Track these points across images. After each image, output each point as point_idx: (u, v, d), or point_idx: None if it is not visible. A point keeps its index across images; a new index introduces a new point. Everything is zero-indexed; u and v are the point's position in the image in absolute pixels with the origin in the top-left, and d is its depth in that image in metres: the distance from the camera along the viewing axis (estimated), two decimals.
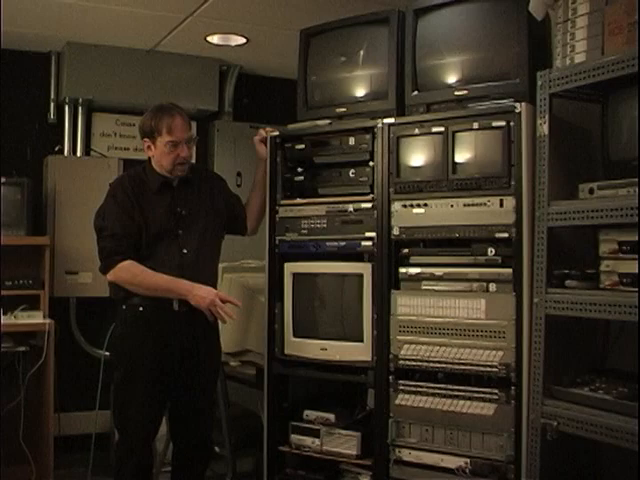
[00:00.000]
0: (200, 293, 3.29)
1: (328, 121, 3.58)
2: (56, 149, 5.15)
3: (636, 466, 2.54)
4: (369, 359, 3.35)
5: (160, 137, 3.38)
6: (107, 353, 4.54)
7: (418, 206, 3.25)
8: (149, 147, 3.45)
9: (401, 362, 3.25)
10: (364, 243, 3.39)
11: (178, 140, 3.38)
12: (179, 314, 3.34)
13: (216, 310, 3.28)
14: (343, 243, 3.44)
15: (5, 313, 4.37)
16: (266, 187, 3.66)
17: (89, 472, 4.60)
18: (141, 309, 3.35)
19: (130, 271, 3.32)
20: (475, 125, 3.10)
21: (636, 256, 2.58)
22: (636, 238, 2.57)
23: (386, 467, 3.29)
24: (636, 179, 2.55)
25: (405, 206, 3.29)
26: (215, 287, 3.47)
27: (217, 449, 4.41)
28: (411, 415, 3.22)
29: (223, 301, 3.31)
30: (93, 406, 5.01)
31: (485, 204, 3.08)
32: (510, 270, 3.02)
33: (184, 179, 3.48)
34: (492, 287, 3.08)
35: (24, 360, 4.44)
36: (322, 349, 3.49)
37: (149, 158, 3.50)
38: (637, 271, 2.54)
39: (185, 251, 3.39)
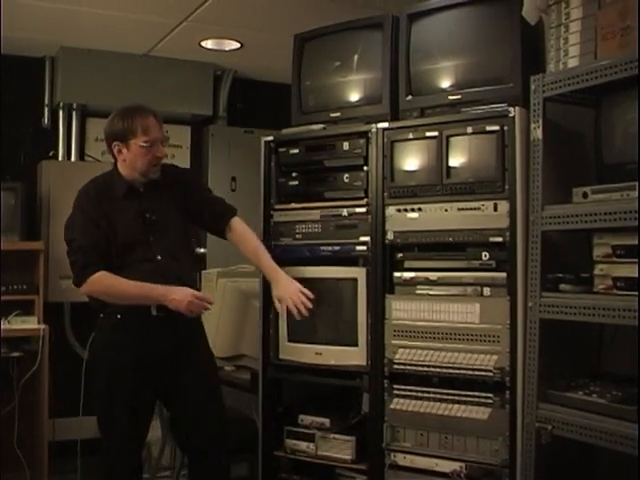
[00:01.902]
0: (176, 297, 3.21)
1: (322, 126, 3.58)
2: (50, 154, 5.14)
3: (630, 470, 2.55)
4: (364, 363, 3.34)
5: (135, 139, 3.25)
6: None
7: (412, 210, 3.26)
8: (120, 151, 3.30)
9: (396, 366, 3.25)
10: (358, 248, 3.40)
11: (154, 140, 3.28)
12: (158, 319, 3.26)
13: (196, 308, 3.25)
14: (337, 248, 3.44)
15: None
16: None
17: (78, 478, 4.60)
18: (119, 316, 3.28)
19: (102, 283, 3.24)
20: (469, 129, 3.11)
21: (630, 260, 2.58)
22: (630, 242, 2.57)
23: (381, 472, 3.28)
24: (630, 183, 2.55)
25: (399, 210, 3.29)
26: (195, 287, 3.42)
27: None
28: (406, 419, 3.22)
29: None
30: (88, 411, 5.01)
31: (479, 208, 3.08)
32: (504, 274, 3.02)
33: (152, 182, 3.36)
34: (486, 291, 3.08)
35: (18, 365, 4.43)
36: (317, 354, 3.48)
37: (115, 163, 3.38)
38: (633, 275, 2.54)
39: (159, 257, 3.30)
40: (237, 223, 3.49)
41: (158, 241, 3.32)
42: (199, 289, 3.49)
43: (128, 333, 3.28)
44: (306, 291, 3.34)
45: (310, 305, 3.32)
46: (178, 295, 3.21)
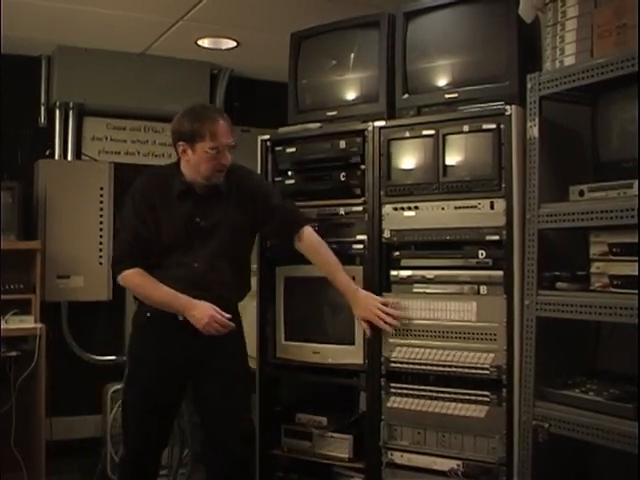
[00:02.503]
0: (196, 314, 3.13)
1: (319, 124, 3.58)
2: (47, 153, 5.13)
3: (627, 467, 2.55)
4: (361, 362, 3.35)
5: (202, 142, 3.14)
6: None
7: (409, 209, 3.26)
8: (184, 151, 3.20)
9: (393, 365, 3.25)
10: (355, 246, 3.40)
11: (222, 146, 3.16)
12: (182, 324, 3.18)
13: (213, 330, 3.14)
14: (334, 246, 3.42)
15: None
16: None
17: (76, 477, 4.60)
18: (148, 315, 3.26)
19: (133, 281, 3.23)
20: (465, 128, 3.11)
21: (627, 258, 2.59)
22: (627, 240, 2.58)
23: (378, 470, 3.29)
24: (626, 181, 2.55)
25: (396, 209, 3.29)
26: (234, 303, 3.32)
27: None
28: (403, 418, 3.22)
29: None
30: (86, 411, 5.01)
31: (476, 207, 3.08)
32: (501, 272, 3.03)
33: (212, 186, 3.24)
34: (483, 289, 3.08)
35: (15, 365, 4.42)
36: (314, 352, 3.49)
37: (178, 159, 3.29)
38: (630, 273, 2.55)
39: (196, 265, 3.20)
40: (308, 233, 3.35)
41: (201, 248, 3.22)
42: (233, 306, 3.32)
43: (153, 333, 3.27)
44: (387, 300, 3.24)
45: (397, 313, 3.20)
46: (198, 312, 3.14)
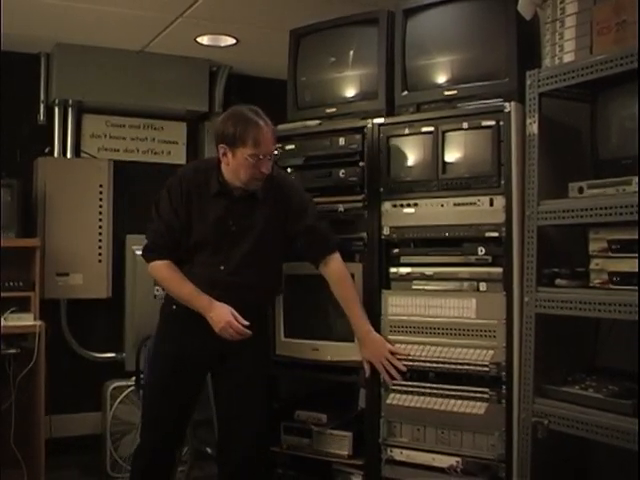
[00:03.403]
0: (213, 317, 3.11)
1: (318, 121, 3.58)
2: (46, 151, 5.12)
3: (626, 464, 2.55)
4: (360, 359, 3.34)
5: (243, 148, 3.07)
6: None
7: (408, 206, 3.26)
8: (224, 154, 3.13)
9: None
10: (354, 243, 3.40)
11: (263, 155, 3.10)
12: (206, 319, 3.15)
13: (228, 335, 3.11)
14: None
15: None
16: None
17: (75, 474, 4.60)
18: (174, 307, 3.25)
19: (160, 273, 3.24)
20: (465, 125, 3.11)
21: (626, 254, 2.59)
22: (626, 236, 2.58)
23: (378, 467, 3.29)
24: (625, 178, 2.56)
25: (395, 206, 3.29)
26: (258, 308, 3.28)
27: (209, 450, 4.42)
28: (402, 415, 3.23)
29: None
30: (85, 408, 5.01)
31: (475, 203, 3.09)
32: (500, 269, 3.03)
33: (250, 191, 3.20)
34: (482, 286, 3.08)
35: (15, 362, 4.42)
36: (313, 349, 3.49)
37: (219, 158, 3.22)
38: (629, 269, 2.55)
39: (222, 267, 3.17)
40: (335, 261, 3.29)
41: (230, 252, 3.19)
42: (256, 311, 3.27)
43: (177, 325, 3.27)
44: (396, 350, 3.21)
45: (403, 368, 3.19)
46: (215, 315, 3.12)
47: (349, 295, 3.28)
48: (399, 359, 3.20)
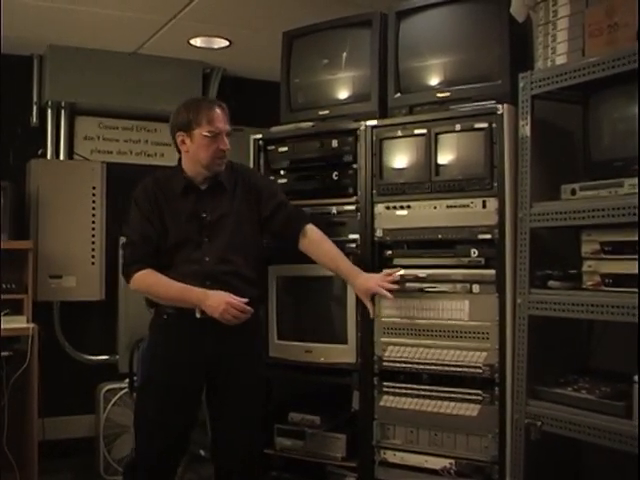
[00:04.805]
0: (211, 303, 3.07)
1: (311, 123, 3.58)
2: (39, 153, 5.12)
3: (618, 465, 2.56)
4: (353, 361, 3.35)
5: (199, 128, 3.16)
6: None
7: (401, 208, 3.26)
8: (183, 141, 3.20)
9: (385, 364, 3.25)
10: (347, 245, 3.40)
11: (218, 131, 3.17)
12: (202, 322, 3.12)
13: (230, 317, 3.06)
14: None
15: None
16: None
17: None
18: (165, 317, 3.21)
19: (145, 282, 3.18)
20: (457, 127, 3.12)
21: (618, 256, 2.60)
22: (618, 238, 2.59)
23: (371, 469, 3.30)
24: (618, 180, 2.57)
25: (388, 208, 3.29)
26: (251, 298, 3.16)
27: (202, 452, 4.42)
28: (396, 417, 3.23)
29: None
30: (78, 411, 5.00)
31: (468, 205, 3.09)
32: (493, 271, 3.03)
33: (214, 182, 3.24)
34: (475, 288, 3.08)
35: (7, 365, 4.41)
36: (307, 351, 3.49)
37: (179, 159, 3.29)
38: (622, 271, 2.56)
39: (207, 259, 3.16)
40: (313, 230, 3.32)
41: (211, 243, 3.19)
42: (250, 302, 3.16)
43: (172, 334, 3.21)
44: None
45: (397, 278, 3.20)
46: (213, 301, 3.08)
47: (334, 252, 3.29)
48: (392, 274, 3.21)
